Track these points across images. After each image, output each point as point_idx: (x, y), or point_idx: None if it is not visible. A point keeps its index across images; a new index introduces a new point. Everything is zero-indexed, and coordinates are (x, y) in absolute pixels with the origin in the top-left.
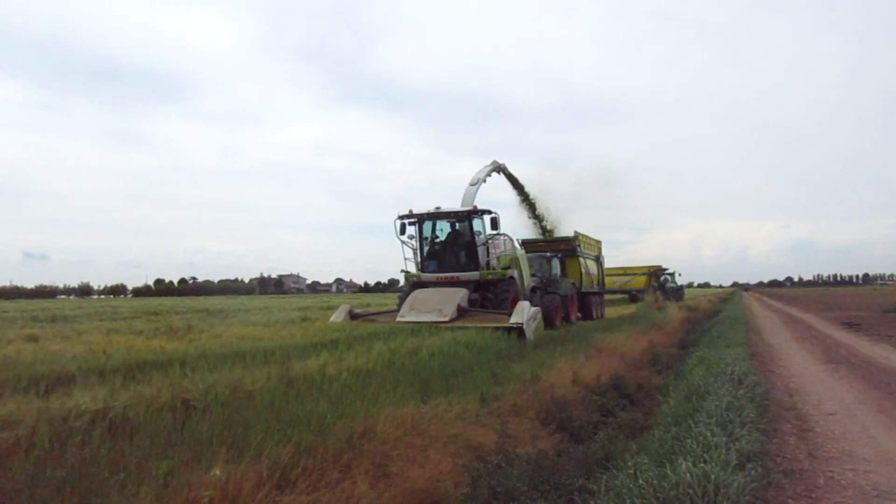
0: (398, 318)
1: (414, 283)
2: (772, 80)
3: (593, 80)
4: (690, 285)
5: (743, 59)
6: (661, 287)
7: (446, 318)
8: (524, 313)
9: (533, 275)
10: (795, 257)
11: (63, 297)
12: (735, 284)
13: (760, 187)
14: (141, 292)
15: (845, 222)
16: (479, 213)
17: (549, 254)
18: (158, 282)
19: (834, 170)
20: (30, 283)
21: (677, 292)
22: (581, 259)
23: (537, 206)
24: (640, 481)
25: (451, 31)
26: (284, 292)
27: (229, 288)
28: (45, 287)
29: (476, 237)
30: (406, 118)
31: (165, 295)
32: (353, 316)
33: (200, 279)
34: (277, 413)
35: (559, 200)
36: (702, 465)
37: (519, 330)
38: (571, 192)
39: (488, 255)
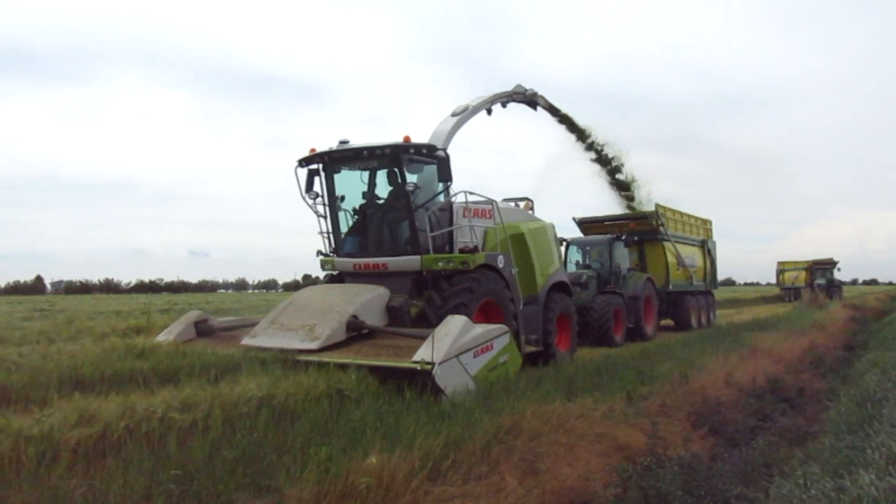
0: (244, 341)
1: (330, 276)
2: None
3: (741, 65)
4: (854, 282)
5: None
6: (811, 283)
7: (314, 346)
8: (440, 344)
9: (587, 266)
10: None
11: (222, 291)
12: None
13: None
14: (290, 287)
15: None
16: (414, 151)
17: (611, 236)
18: (306, 277)
19: None
20: (194, 279)
21: (835, 289)
22: (668, 244)
23: (611, 158)
24: (813, 492)
25: (589, 23)
26: None
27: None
28: (207, 282)
29: (411, 196)
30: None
31: None
32: (201, 332)
33: None
34: (426, 405)
35: (705, 192)
36: (888, 478)
37: (426, 375)
38: (717, 184)
39: (441, 227)
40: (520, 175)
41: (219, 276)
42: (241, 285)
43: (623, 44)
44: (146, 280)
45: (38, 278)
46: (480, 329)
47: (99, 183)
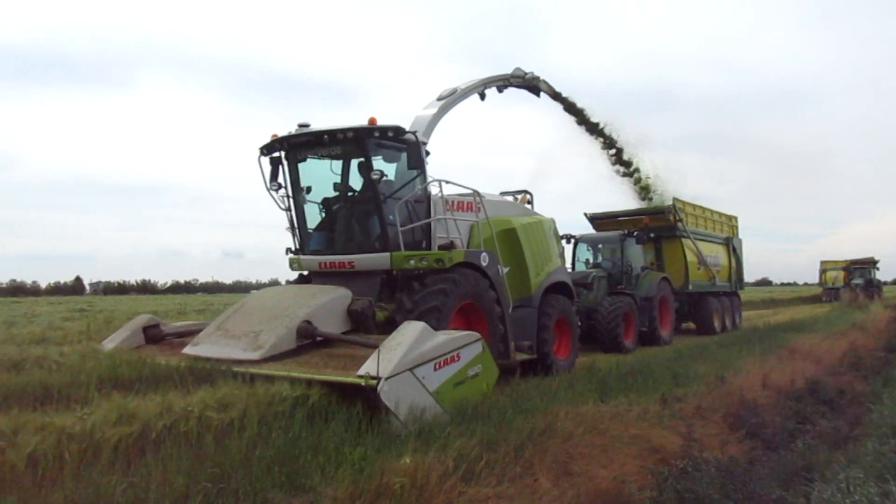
0: (185, 350)
1: (300, 276)
2: None
3: (776, 61)
4: None
5: None
6: (847, 283)
7: (256, 356)
8: (389, 355)
9: (597, 265)
10: None
11: (255, 291)
12: None
13: None
14: None
15: None
16: (379, 134)
17: (623, 232)
18: None
19: None
20: (228, 279)
21: (874, 288)
22: (687, 241)
23: (616, 143)
24: (856, 497)
25: (618, 21)
26: None
27: None
28: (241, 282)
29: (378, 185)
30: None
31: None
32: (151, 338)
33: None
34: (459, 407)
35: (739, 191)
36: None
37: (372, 392)
38: (753, 182)
39: (417, 221)
40: (545, 174)
41: (252, 276)
42: (273, 285)
43: (654, 41)
44: (181, 281)
45: (78, 279)
46: (444, 337)
47: (136, 186)
